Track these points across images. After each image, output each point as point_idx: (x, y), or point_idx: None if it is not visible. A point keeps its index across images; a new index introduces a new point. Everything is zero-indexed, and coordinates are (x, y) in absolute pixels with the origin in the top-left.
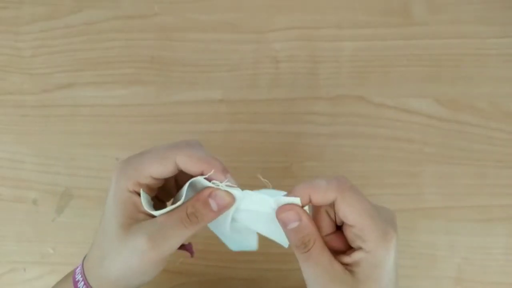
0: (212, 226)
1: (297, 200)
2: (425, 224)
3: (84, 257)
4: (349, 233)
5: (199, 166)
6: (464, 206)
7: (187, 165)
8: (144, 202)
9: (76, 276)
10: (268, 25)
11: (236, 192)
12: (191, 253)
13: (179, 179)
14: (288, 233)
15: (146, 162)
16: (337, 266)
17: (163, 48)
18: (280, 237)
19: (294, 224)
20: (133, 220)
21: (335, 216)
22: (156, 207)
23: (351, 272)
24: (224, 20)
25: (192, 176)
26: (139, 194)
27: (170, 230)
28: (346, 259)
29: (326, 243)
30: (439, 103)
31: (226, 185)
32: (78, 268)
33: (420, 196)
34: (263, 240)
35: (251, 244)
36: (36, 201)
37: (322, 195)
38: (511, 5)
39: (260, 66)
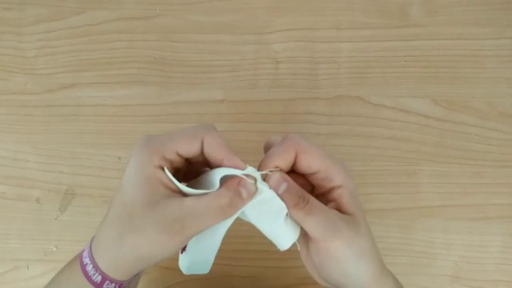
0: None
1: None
2: (422, 223)
3: (91, 241)
4: (315, 180)
5: (222, 152)
6: (461, 205)
7: (212, 149)
8: (172, 177)
9: (84, 260)
10: (268, 26)
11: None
12: None
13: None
14: (283, 196)
15: (175, 138)
16: (333, 210)
17: (165, 49)
18: (279, 239)
19: (284, 185)
20: (159, 196)
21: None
22: None
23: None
24: (224, 21)
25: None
26: (163, 169)
27: (203, 217)
28: (331, 204)
29: None
30: (436, 103)
31: (245, 175)
32: (85, 252)
33: (417, 195)
34: (263, 238)
35: (206, 267)
36: (39, 200)
37: (285, 157)
38: (507, 7)
39: (260, 67)
